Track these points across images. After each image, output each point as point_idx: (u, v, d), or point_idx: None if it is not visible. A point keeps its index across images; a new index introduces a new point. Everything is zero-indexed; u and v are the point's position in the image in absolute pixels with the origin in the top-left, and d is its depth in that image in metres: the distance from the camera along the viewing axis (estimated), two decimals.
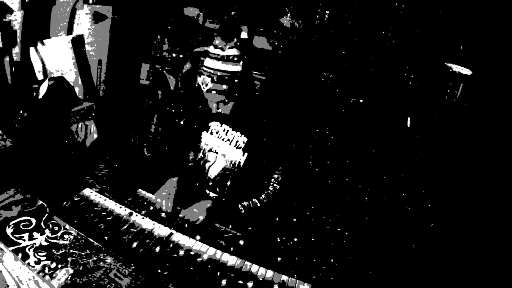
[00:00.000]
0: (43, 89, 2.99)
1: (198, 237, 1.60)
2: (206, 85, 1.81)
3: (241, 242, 1.67)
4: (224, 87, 1.80)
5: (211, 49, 1.83)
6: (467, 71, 2.79)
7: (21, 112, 2.80)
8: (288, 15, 3.12)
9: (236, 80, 1.80)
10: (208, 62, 1.83)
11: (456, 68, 2.81)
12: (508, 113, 2.62)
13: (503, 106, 2.64)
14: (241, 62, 1.81)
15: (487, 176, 2.66)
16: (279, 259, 1.59)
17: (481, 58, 2.71)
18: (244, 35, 3.02)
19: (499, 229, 2.42)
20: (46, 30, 3.33)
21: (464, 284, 2.06)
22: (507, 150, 2.61)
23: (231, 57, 1.80)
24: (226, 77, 1.79)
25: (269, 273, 1.45)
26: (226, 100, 1.85)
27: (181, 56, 3.40)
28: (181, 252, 1.49)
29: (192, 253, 1.49)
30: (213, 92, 1.81)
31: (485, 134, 2.70)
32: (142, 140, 3.26)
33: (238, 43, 1.81)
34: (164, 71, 3.36)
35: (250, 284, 1.38)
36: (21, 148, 2.04)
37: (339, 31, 2.91)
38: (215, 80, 1.78)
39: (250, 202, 1.91)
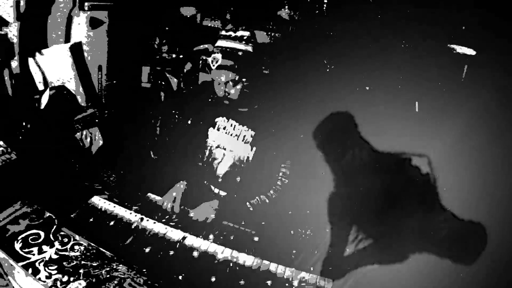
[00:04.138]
0: (44, 99, 2.96)
1: (211, 237, 1.57)
2: (217, 61, 1.81)
3: (255, 239, 1.64)
4: (234, 63, 1.80)
5: (223, 32, 1.86)
6: (471, 51, 2.71)
7: (24, 124, 2.77)
8: (286, 7, 3.07)
9: (245, 59, 1.81)
10: (219, 42, 1.85)
11: (460, 49, 2.74)
12: None
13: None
14: (252, 43, 1.83)
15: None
16: (293, 254, 1.55)
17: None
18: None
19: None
20: (44, 40, 3.29)
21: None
22: None
23: (242, 37, 1.81)
24: (237, 54, 1.80)
25: (288, 272, 1.40)
26: (235, 80, 1.82)
27: (181, 56, 3.35)
28: (196, 255, 1.45)
29: (206, 255, 1.45)
30: (223, 70, 1.80)
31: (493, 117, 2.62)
32: (148, 143, 3.23)
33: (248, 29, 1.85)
34: (165, 72, 3.31)
35: (269, 282, 1.34)
36: (26, 160, 2.01)
37: (336, 18, 2.85)
38: (226, 56, 1.79)
39: (258, 198, 1.87)
